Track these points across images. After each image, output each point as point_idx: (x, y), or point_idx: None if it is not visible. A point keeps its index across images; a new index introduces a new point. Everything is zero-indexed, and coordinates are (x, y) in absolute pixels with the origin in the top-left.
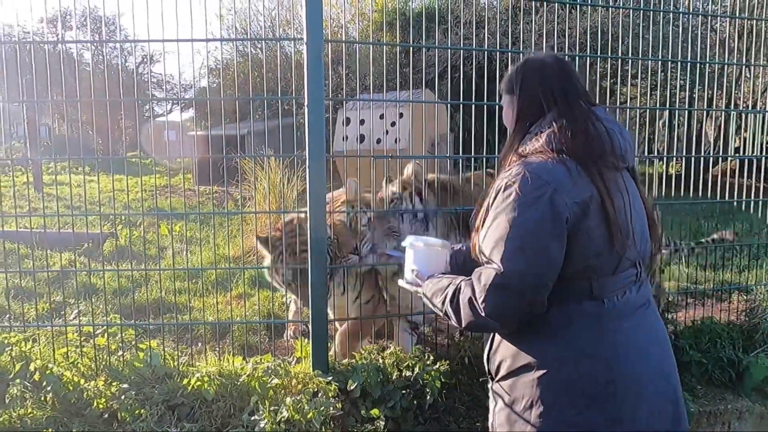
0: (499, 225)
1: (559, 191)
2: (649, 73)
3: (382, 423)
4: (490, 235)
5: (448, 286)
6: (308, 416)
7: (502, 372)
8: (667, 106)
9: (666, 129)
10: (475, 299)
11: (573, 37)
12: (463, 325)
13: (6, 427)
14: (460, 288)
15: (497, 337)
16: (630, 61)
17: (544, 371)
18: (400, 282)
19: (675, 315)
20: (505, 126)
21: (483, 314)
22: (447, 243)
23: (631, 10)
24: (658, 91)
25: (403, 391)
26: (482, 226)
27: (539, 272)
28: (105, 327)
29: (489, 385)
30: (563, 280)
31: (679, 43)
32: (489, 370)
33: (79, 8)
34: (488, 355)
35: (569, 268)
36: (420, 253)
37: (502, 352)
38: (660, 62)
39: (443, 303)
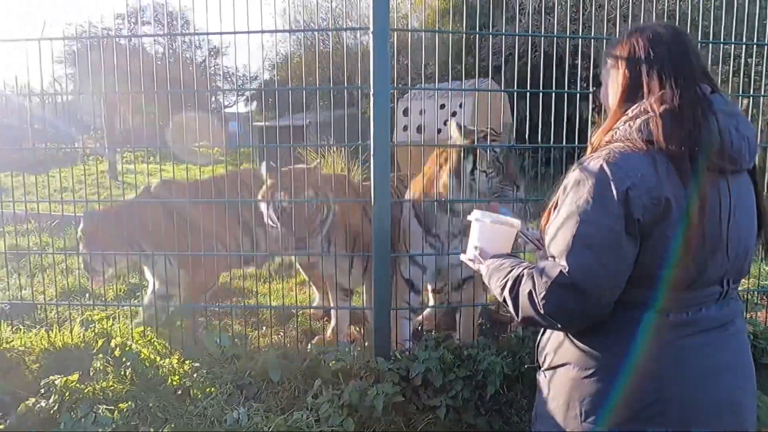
0: (568, 218)
1: (638, 186)
2: (732, 59)
3: (443, 412)
4: (557, 230)
5: (510, 272)
6: (371, 401)
7: (547, 364)
8: (751, 92)
9: (746, 118)
10: (536, 294)
11: (645, 22)
12: (520, 318)
13: (90, 397)
14: (521, 277)
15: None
16: (709, 45)
17: (587, 374)
18: (462, 257)
19: (755, 314)
20: (603, 104)
21: (542, 311)
22: (517, 221)
23: None
24: (740, 77)
25: (465, 382)
26: (552, 214)
27: (608, 273)
28: (177, 308)
29: (537, 375)
30: (626, 286)
31: (766, 26)
32: (537, 359)
33: (153, 3)
34: (538, 343)
35: (634, 275)
36: (485, 230)
37: (549, 344)
38: (743, 46)
39: (502, 289)
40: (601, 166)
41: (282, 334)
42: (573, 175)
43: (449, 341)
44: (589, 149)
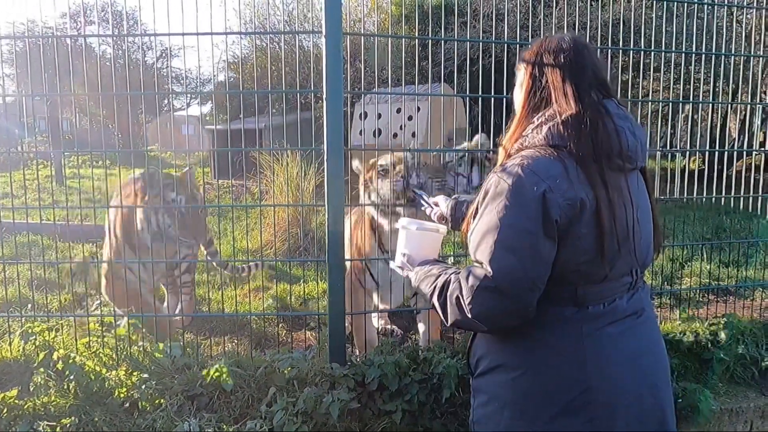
0: (488, 224)
1: (553, 190)
2: (672, 66)
3: (399, 416)
4: (479, 234)
5: (438, 277)
6: (325, 408)
7: (480, 369)
8: (690, 99)
9: (687, 123)
10: (463, 298)
11: (593, 29)
12: (449, 322)
13: (30, 414)
14: (449, 282)
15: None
16: (651, 53)
17: (518, 373)
18: (391, 264)
19: (696, 312)
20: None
21: (469, 315)
22: (443, 227)
23: (653, 2)
24: (681, 85)
25: (421, 385)
26: (473, 220)
27: (529, 274)
28: (125, 317)
29: (471, 381)
30: (547, 283)
31: (704, 35)
32: (469, 364)
33: (100, 2)
34: (469, 349)
35: (553, 272)
36: (412, 237)
37: (481, 349)
38: (682, 55)
39: (431, 295)
40: (518, 172)
41: (236, 342)
42: (492, 182)
43: (405, 345)
44: (501, 155)
